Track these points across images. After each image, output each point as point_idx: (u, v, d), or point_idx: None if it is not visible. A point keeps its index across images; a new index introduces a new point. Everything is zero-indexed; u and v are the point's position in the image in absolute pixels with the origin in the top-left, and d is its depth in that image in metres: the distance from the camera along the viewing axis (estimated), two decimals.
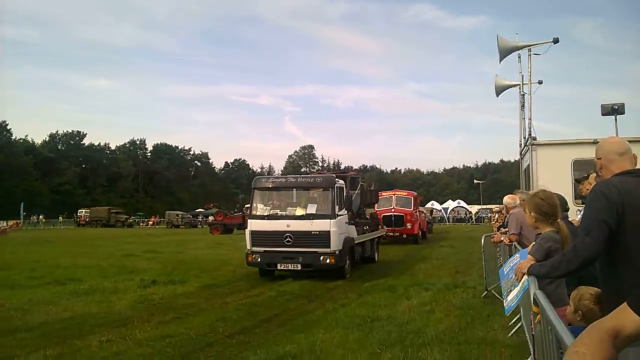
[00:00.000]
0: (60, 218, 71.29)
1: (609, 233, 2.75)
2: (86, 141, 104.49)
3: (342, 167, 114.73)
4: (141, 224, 72.69)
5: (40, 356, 6.36)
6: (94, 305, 9.78)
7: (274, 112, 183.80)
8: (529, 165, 11.77)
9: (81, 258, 19.07)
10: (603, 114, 12.57)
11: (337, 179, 13.76)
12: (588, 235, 2.82)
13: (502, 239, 7.77)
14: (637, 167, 3.07)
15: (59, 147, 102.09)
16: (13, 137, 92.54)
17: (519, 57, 15.42)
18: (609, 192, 2.80)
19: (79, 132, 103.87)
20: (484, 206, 72.28)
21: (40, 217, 69.08)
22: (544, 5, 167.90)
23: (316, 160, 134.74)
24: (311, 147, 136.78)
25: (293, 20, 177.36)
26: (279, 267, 12.97)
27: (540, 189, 4.25)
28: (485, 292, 9.95)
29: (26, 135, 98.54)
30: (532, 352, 4.59)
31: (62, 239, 33.97)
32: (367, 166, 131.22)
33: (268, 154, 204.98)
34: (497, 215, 14.28)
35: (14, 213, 63.39)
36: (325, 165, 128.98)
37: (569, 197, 8.46)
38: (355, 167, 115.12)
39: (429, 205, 64.82)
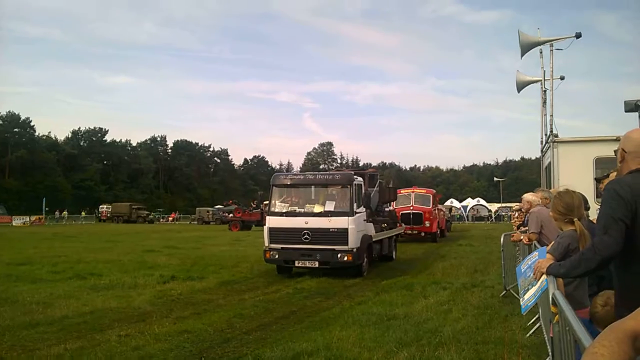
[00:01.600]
0: (83, 213, 72.07)
1: (625, 231, 2.71)
2: (108, 138, 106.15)
3: (361, 164, 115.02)
4: (161, 220, 73.50)
5: (61, 349, 6.45)
6: (114, 300, 9.91)
7: (293, 108, 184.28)
8: (550, 162, 11.60)
9: (102, 253, 19.36)
10: (626, 111, 12.26)
11: (355, 176, 13.70)
12: (606, 233, 2.77)
13: (521, 237, 7.65)
14: None
15: (82, 143, 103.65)
16: (36, 134, 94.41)
17: (541, 52, 15.22)
18: (621, 190, 2.76)
19: (101, 128, 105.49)
20: (503, 204, 71.50)
21: (64, 212, 70.09)
22: None
23: (335, 157, 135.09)
24: (330, 144, 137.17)
25: (312, 16, 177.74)
26: (296, 264, 12.97)
27: (563, 188, 4.20)
28: (504, 291, 9.84)
29: (49, 132, 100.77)
30: (550, 353, 4.52)
31: (83, 235, 34.49)
32: (385, 163, 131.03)
33: (287, 150, 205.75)
34: (517, 214, 14.05)
35: (37, 208, 64.59)
36: (343, 162, 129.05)
37: (590, 196, 8.31)
38: (374, 164, 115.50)
39: (448, 203, 64.45)
